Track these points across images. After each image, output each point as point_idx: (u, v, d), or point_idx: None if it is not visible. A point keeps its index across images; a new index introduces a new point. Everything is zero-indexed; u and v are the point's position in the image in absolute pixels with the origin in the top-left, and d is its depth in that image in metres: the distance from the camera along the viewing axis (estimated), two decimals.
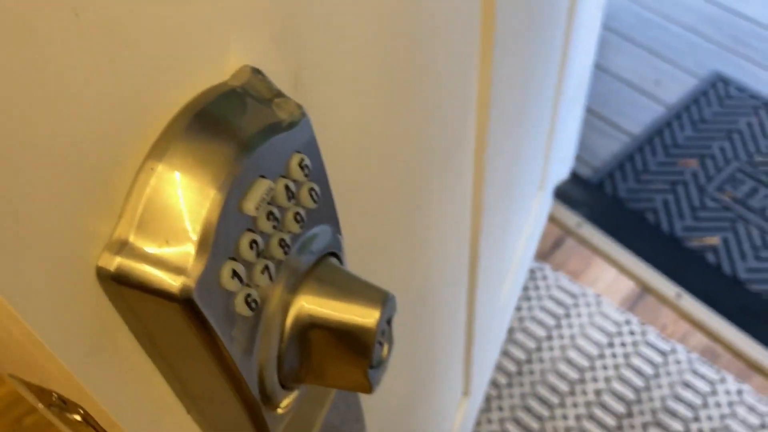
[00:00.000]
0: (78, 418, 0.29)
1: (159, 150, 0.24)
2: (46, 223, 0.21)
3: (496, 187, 0.94)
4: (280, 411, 0.32)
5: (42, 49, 0.19)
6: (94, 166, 0.22)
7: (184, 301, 0.24)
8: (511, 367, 1.53)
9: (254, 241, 0.26)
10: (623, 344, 1.54)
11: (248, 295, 0.27)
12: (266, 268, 0.27)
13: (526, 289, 1.64)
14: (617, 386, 1.49)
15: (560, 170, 1.75)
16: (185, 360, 0.27)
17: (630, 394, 1.48)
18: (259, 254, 0.26)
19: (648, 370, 1.51)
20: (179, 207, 0.24)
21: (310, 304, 0.30)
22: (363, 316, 0.30)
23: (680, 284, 1.63)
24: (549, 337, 1.56)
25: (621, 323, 1.57)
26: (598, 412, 1.46)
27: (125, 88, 0.23)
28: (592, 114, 2.00)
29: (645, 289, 1.64)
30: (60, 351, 0.23)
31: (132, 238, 0.23)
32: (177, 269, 0.24)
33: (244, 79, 0.27)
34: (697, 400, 1.48)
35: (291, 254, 0.30)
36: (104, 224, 0.23)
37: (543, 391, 1.49)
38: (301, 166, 0.28)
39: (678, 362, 1.53)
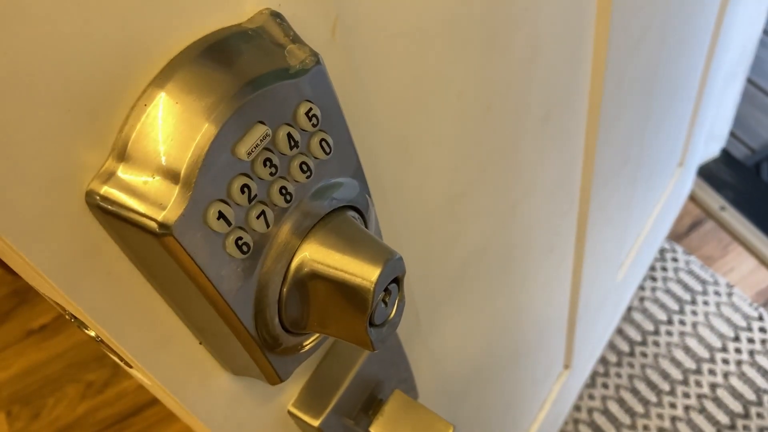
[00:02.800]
0: (92, 333, 0.31)
1: (158, 84, 0.25)
2: (40, 152, 0.23)
3: (612, 158, 0.89)
4: (284, 353, 0.33)
5: None
6: (90, 101, 0.23)
7: (163, 237, 0.24)
8: (624, 347, 1.47)
9: (246, 186, 0.26)
10: (751, 340, 1.44)
11: (239, 238, 0.27)
12: (262, 213, 0.27)
13: (653, 268, 1.56)
14: (736, 384, 1.40)
15: (708, 148, 1.63)
16: (181, 291, 0.28)
17: (750, 395, 1.39)
18: (251, 199, 0.27)
19: None
20: (169, 143, 0.24)
21: (313, 254, 0.30)
22: (362, 273, 0.29)
23: None
24: (669, 322, 1.48)
25: (752, 318, 1.46)
26: (711, 407, 1.38)
27: (128, 28, 0.23)
28: (759, 89, 1.83)
29: None
30: (50, 272, 0.25)
31: (120, 170, 0.24)
32: (159, 204, 0.24)
33: (261, 22, 0.27)
34: None
35: (305, 199, 0.30)
36: (97, 155, 0.24)
37: (653, 376, 1.42)
38: (309, 116, 0.28)
39: None
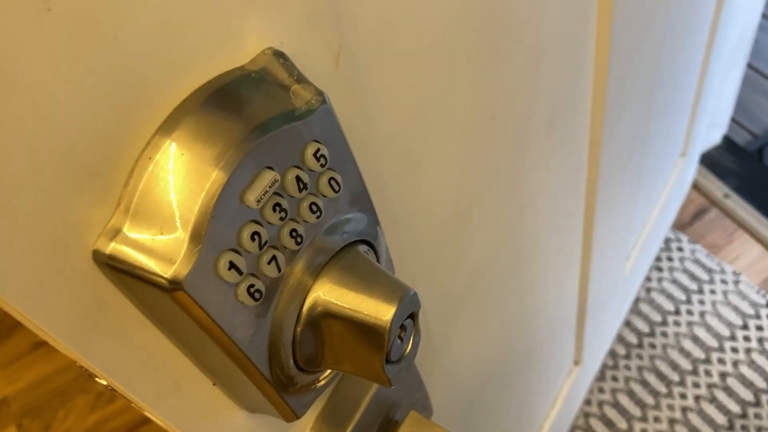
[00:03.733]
0: (104, 383, 0.30)
1: (163, 133, 0.24)
2: (43, 214, 0.22)
3: (617, 155, 0.88)
4: (299, 391, 0.32)
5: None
6: (92, 157, 0.23)
7: (174, 292, 0.24)
8: (632, 339, 1.46)
9: (256, 233, 0.26)
10: (759, 328, 1.43)
11: (251, 286, 0.26)
12: (274, 258, 0.27)
13: (658, 259, 1.56)
14: (746, 372, 1.39)
15: (710, 135, 1.62)
16: (194, 340, 0.28)
17: (761, 382, 1.38)
18: (262, 246, 0.26)
19: None
20: (177, 194, 0.24)
21: (327, 293, 0.29)
22: (377, 312, 0.29)
23: None
24: (676, 312, 1.48)
25: (760, 305, 1.46)
26: (722, 397, 1.37)
27: (128, 79, 0.23)
28: (759, 74, 1.82)
29: None
30: (60, 332, 0.24)
31: (127, 226, 0.24)
32: (169, 259, 0.24)
33: (264, 63, 0.27)
34: None
35: (316, 238, 0.29)
36: (101, 212, 0.24)
37: (662, 367, 1.42)
38: (317, 156, 0.27)
39: None
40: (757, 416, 1.35)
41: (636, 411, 1.39)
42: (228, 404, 0.34)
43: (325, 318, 0.30)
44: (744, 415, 1.35)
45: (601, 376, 1.43)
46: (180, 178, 0.24)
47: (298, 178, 0.27)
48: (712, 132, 1.63)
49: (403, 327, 0.31)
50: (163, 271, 0.24)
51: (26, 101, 0.20)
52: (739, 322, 1.45)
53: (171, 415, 0.31)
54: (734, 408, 1.36)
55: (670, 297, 1.50)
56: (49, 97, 0.21)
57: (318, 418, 0.42)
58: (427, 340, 0.54)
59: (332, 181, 0.29)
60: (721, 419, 1.35)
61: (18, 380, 1.67)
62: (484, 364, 0.74)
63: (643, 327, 1.47)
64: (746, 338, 1.43)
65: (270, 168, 0.26)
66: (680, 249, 1.55)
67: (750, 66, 1.80)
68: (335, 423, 0.42)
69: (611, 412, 1.39)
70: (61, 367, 1.68)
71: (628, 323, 1.48)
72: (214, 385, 0.32)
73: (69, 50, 0.21)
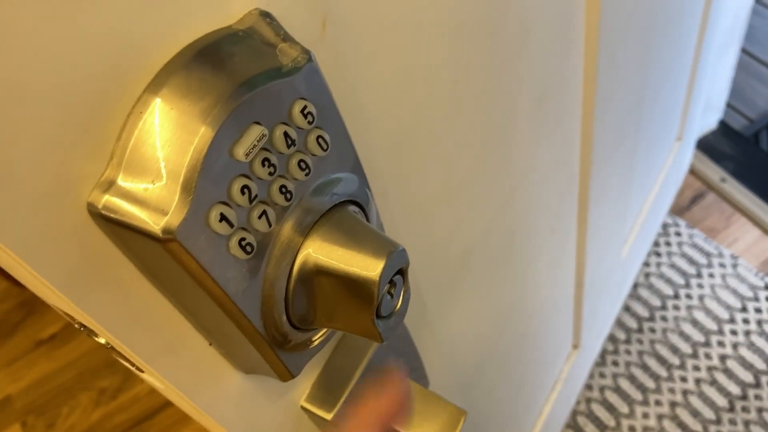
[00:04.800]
0: (102, 341, 0.31)
1: (152, 90, 0.25)
2: (39, 166, 0.23)
3: (610, 136, 0.89)
4: (294, 349, 0.33)
5: None
6: (86, 111, 0.23)
7: (167, 242, 0.25)
8: (632, 324, 1.47)
9: (246, 187, 0.26)
10: (758, 310, 1.44)
11: (242, 239, 0.27)
12: (264, 213, 0.28)
13: (656, 244, 1.57)
14: (746, 354, 1.40)
15: (706, 120, 1.63)
16: (188, 294, 0.28)
17: (760, 364, 1.39)
18: (252, 200, 0.27)
19: None
20: (167, 148, 0.25)
21: (317, 251, 0.30)
22: (366, 267, 0.30)
23: None
24: (676, 296, 1.48)
25: (758, 288, 1.47)
26: (722, 379, 1.38)
27: (119, 37, 0.24)
28: (753, 58, 1.83)
29: None
30: (58, 283, 0.25)
31: (120, 178, 0.25)
32: (161, 210, 0.25)
33: (250, 23, 0.27)
34: None
35: (306, 196, 0.30)
36: (95, 165, 0.24)
37: (663, 351, 1.43)
38: (304, 113, 0.28)
39: None
40: (758, 397, 1.35)
41: (637, 395, 1.40)
42: (224, 365, 0.35)
43: (316, 275, 0.30)
44: (744, 397, 1.36)
45: (601, 361, 1.44)
46: (169, 133, 0.25)
47: (286, 134, 0.27)
48: (707, 116, 1.63)
49: (392, 283, 0.31)
50: (156, 221, 0.24)
51: (21, 55, 0.21)
52: (737, 305, 1.45)
53: (167, 374, 0.31)
54: (734, 390, 1.36)
55: (668, 281, 1.50)
56: (43, 52, 0.21)
57: (314, 385, 0.43)
58: (422, 313, 0.55)
59: (320, 139, 0.29)
60: (721, 401, 1.35)
61: (21, 378, 1.68)
62: (481, 341, 0.75)
63: (643, 312, 1.48)
64: (745, 321, 1.43)
65: (258, 123, 0.26)
66: (678, 234, 1.56)
67: (744, 51, 1.80)
68: (331, 389, 0.42)
69: (612, 397, 1.40)
70: (64, 364, 1.69)
71: (627, 308, 1.49)
72: (210, 345, 0.33)
73: (59, 3, 0.21)
